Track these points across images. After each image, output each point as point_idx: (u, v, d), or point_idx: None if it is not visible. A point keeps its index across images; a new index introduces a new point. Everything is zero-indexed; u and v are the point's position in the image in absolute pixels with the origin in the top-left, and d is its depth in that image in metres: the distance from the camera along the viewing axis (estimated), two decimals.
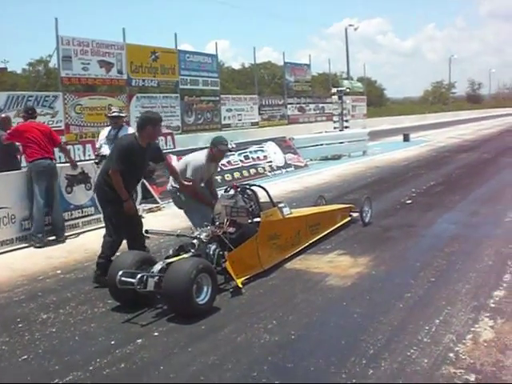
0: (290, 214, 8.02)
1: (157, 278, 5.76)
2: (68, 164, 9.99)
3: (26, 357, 4.92)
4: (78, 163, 10.45)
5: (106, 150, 9.59)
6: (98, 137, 11.57)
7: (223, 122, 28.16)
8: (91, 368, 4.65)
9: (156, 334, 5.33)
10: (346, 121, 27.38)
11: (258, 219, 7.19)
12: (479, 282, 6.57)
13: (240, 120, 29.76)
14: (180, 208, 8.10)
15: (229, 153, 7.74)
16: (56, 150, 9.98)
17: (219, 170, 15.02)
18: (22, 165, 10.49)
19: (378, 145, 26.67)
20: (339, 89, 28.13)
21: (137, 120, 7.12)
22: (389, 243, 8.59)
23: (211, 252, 6.51)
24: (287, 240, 7.81)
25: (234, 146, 7.72)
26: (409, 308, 5.78)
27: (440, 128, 42.16)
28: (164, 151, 9.18)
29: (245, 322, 5.55)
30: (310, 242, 8.33)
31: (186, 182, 7.53)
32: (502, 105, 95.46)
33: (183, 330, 5.40)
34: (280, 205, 7.89)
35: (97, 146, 10.80)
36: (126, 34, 22.05)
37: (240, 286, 6.45)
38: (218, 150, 7.85)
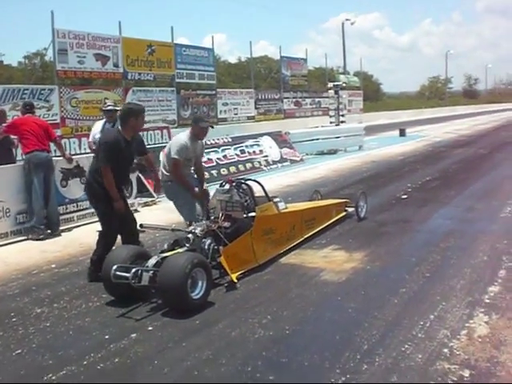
0: (285, 208, 8.01)
1: (151, 272, 5.75)
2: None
3: (19, 351, 4.91)
4: (74, 157, 10.43)
5: None
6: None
7: (219, 116, 28.16)
8: (85, 363, 4.63)
9: (150, 328, 5.32)
10: (343, 115, 27.39)
11: (253, 214, 7.18)
12: (474, 277, 6.57)
13: (236, 114, 29.77)
14: (170, 199, 8.05)
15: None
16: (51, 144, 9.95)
17: (215, 164, 15.12)
18: (17, 158, 10.48)
19: (374, 139, 26.66)
20: (335, 83, 28.14)
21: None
22: (384, 238, 8.59)
23: (206, 246, 6.49)
24: (282, 235, 7.80)
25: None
26: (403, 303, 5.78)
27: (436, 123, 42.19)
28: (159, 145, 9.14)
29: (239, 316, 5.54)
30: (305, 236, 8.33)
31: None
32: (498, 100, 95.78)
33: (178, 324, 5.39)
34: (275, 199, 7.87)
35: (90, 139, 10.72)
36: (122, 28, 22.01)
37: (235, 280, 6.44)
38: (198, 128, 7.73)
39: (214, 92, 28.10)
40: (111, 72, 21.53)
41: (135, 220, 7.02)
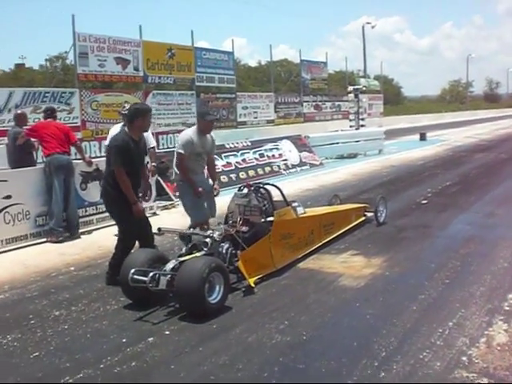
0: (304, 213, 7.99)
1: (169, 276, 5.75)
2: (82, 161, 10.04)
3: (37, 353, 4.94)
4: (94, 160, 10.49)
5: None
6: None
7: (239, 120, 28.13)
8: (102, 366, 4.65)
9: (167, 332, 5.33)
10: (362, 119, 27.24)
11: (271, 218, 7.16)
12: (494, 284, 6.49)
13: (256, 118, 29.73)
14: (180, 199, 8.07)
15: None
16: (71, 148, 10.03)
17: (234, 168, 15.10)
18: (37, 161, 10.56)
19: (394, 144, 26.54)
20: (355, 87, 27.99)
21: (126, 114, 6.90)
22: (403, 244, 8.53)
23: (224, 251, 6.49)
24: (300, 239, 7.77)
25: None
26: (422, 310, 5.73)
27: (457, 127, 41.89)
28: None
29: (256, 321, 5.53)
30: (324, 241, 8.29)
31: None
32: None
33: (195, 328, 5.38)
34: (294, 204, 7.86)
35: (106, 143, 10.75)
36: (143, 31, 22.10)
37: (252, 285, 6.43)
38: (204, 122, 7.74)
39: (233, 95, 28.10)
40: (131, 75, 21.61)
41: (150, 224, 7.00)
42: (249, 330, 5.30)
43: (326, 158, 20.07)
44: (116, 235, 7.14)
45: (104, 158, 11.15)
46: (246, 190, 7.42)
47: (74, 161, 9.93)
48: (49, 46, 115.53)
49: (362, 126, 26.73)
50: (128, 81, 22.42)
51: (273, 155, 17.24)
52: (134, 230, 6.70)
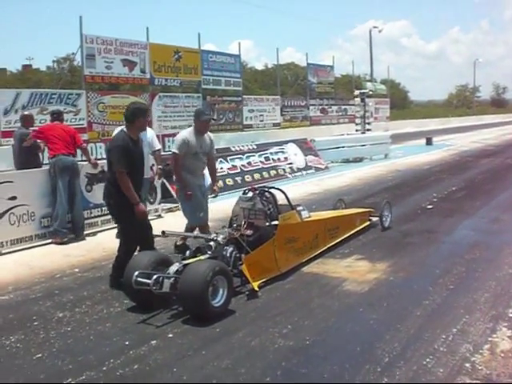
0: (309, 217, 7.97)
1: (173, 279, 5.75)
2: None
3: (40, 355, 4.94)
4: (99, 162, 10.49)
5: None
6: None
7: (245, 123, 28.20)
8: (104, 368, 4.64)
9: (170, 335, 5.32)
10: (369, 123, 27.20)
11: (275, 222, 7.15)
12: (499, 290, 6.46)
13: (262, 121, 29.78)
14: (180, 202, 8.18)
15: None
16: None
17: (239, 171, 15.09)
18: (44, 162, 10.58)
19: (400, 148, 26.51)
20: (362, 91, 27.97)
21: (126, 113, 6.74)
22: (408, 249, 8.50)
23: (228, 254, 6.47)
24: (305, 243, 7.76)
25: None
26: (426, 316, 5.71)
27: (463, 132, 41.85)
28: None
29: (260, 325, 5.52)
30: (328, 245, 8.28)
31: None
32: None
33: (198, 332, 5.38)
34: (298, 208, 7.84)
35: None
36: (150, 34, 22.17)
37: (256, 289, 6.42)
38: (199, 122, 7.86)
39: (239, 98, 28.16)
40: (138, 77, 21.71)
41: (151, 226, 6.97)
42: (252, 334, 5.29)
43: (332, 162, 20.06)
44: (117, 237, 7.13)
45: None
46: (250, 194, 7.41)
47: (80, 162, 9.94)
48: (57, 47, 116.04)
49: (368, 130, 26.69)
50: (134, 83, 22.53)
51: (278, 159, 17.23)
52: (137, 232, 6.66)
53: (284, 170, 17.06)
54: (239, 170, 15.31)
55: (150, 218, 10.27)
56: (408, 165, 20.48)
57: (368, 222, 9.68)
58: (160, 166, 9.62)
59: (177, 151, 7.69)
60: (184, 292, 5.58)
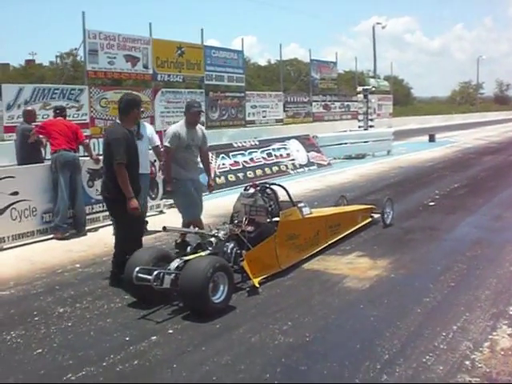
0: (310, 213, 7.97)
1: (173, 275, 5.75)
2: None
3: (40, 350, 4.95)
4: (101, 157, 10.47)
5: None
6: None
7: (247, 119, 28.15)
8: (104, 364, 4.65)
9: (171, 331, 5.33)
10: (371, 120, 27.17)
11: (277, 219, 7.15)
12: (499, 288, 6.45)
13: (265, 117, 29.73)
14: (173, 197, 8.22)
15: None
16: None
17: (241, 167, 15.08)
18: (46, 157, 10.59)
19: (403, 145, 26.49)
20: (365, 87, 27.94)
21: (121, 105, 6.65)
22: (409, 246, 8.50)
23: (229, 250, 6.48)
24: (306, 240, 7.76)
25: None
26: (426, 313, 5.70)
27: (466, 129, 41.79)
28: None
29: (260, 322, 5.52)
30: (330, 242, 8.27)
31: None
32: None
33: (198, 328, 5.38)
34: (300, 204, 7.84)
35: None
36: (153, 29, 22.16)
37: (257, 285, 6.42)
38: (189, 114, 7.90)
39: (242, 94, 28.11)
40: (141, 73, 21.68)
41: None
42: (252, 331, 5.29)
43: (334, 159, 20.05)
44: (114, 234, 7.14)
45: None
46: (252, 190, 7.41)
47: (81, 158, 9.95)
48: (60, 42, 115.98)
49: (371, 126, 26.67)
50: (137, 78, 22.52)
51: (280, 155, 17.22)
52: (139, 226, 6.65)
53: (286, 166, 17.05)
54: (241, 166, 15.31)
55: (151, 213, 10.39)
56: (410, 161, 20.48)
57: (370, 219, 9.67)
58: (162, 162, 9.60)
59: (168, 145, 7.72)
60: (184, 288, 5.59)
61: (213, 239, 6.38)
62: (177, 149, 7.70)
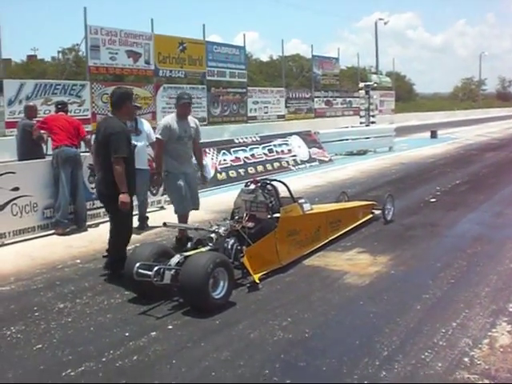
0: (311, 209, 7.97)
1: (174, 270, 5.76)
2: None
3: (40, 346, 4.96)
4: None
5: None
6: None
7: (249, 114, 28.17)
8: (104, 359, 4.66)
9: (170, 327, 5.33)
10: (373, 116, 27.16)
11: (277, 215, 7.15)
12: (499, 285, 6.45)
13: (266, 113, 29.75)
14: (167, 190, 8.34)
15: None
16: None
17: (242, 163, 15.08)
18: (48, 153, 10.58)
19: (404, 141, 26.47)
20: (367, 83, 27.91)
21: (112, 99, 6.76)
22: (410, 242, 8.49)
23: (229, 246, 6.49)
24: (307, 236, 7.75)
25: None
26: (426, 310, 5.70)
27: (468, 125, 41.71)
28: None
29: (260, 318, 5.53)
30: (330, 238, 8.27)
31: None
32: None
33: (198, 323, 5.39)
34: (300, 200, 7.84)
35: None
36: (154, 25, 22.15)
37: (257, 281, 6.42)
38: (178, 105, 7.95)
39: (244, 90, 28.11)
40: (143, 69, 21.70)
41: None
42: (252, 327, 5.30)
43: (336, 155, 20.01)
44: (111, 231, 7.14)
45: None
46: (252, 186, 7.41)
47: (83, 154, 9.94)
48: (62, 38, 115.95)
49: (373, 122, 26.67)
50: (139, 74, 22.53)
51: (282, 151, 17.20)
52: (130, 223, 6.68)
53: (287, 162, 17.04)
54: (242, 162, 15.30)
55: (152, 209, 10.38)
56: (412, 158, 20.45)
57: (370, 215, 9.66)
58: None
59: (160, 136, 7.77)
60: (185, 284, 5.59)
61: (213, 235, 6.38)
62: (168, 140, 7.75)
